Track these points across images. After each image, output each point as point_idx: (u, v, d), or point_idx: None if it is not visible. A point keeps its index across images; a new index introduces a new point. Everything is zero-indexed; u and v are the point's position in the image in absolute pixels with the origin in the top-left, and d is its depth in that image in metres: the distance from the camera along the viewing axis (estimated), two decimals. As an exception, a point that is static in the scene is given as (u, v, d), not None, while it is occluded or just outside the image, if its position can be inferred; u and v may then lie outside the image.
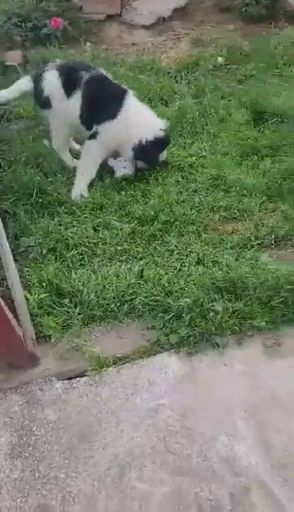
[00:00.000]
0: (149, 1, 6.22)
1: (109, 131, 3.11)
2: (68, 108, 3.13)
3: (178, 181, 3.28)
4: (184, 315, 2.23)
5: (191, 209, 2.99)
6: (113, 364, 2.13)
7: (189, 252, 2.66)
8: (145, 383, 2.03)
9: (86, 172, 3.21)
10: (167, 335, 2.19)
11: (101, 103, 3.10)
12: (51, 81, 3.13)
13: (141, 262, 2.60)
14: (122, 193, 3.17)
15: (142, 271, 2.52)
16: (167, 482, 1.71)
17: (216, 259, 2.57)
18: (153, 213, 2.93)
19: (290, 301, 2.24)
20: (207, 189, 3.18)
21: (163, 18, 6.02)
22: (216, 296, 2.29)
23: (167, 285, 2.42)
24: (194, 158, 3.52)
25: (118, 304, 2.36)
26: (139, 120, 3.19)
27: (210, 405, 1.94)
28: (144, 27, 5.97)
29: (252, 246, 2.68)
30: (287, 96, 4.33)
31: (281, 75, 4.82)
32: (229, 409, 1.92)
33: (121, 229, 2.85)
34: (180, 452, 1.79)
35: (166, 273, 2.50)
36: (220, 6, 6.20)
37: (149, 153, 3.23)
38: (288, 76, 4.80)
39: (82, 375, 2.11)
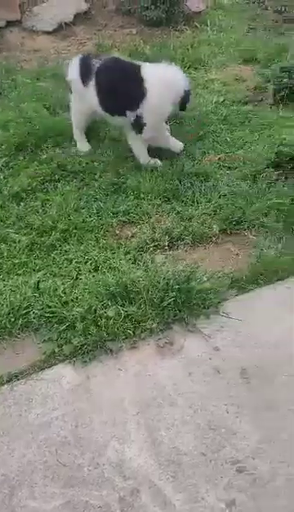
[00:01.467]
0: (50, 6, 6.17)
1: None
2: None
3: (79, 189, 3.28)
4: (77, 324, 2.23)
5: (90, 216, 3.00)
6: (8, 382, 2.09)
7: (87, 259, 2.67)
8: (39, 397, 2.02)
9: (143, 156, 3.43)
10: (61, 346, 2.19)
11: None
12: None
13: (39, 275, 2.58)
14: (22, 204, 3.14)
15: (38, 284, 2.50)
16: (59, 495, 1.70)
17: (113, 265, 2.60)
18: (51, 223, 2.91)
19: (179, 300, 2.31)
20: (107, 194, 3.21)
21: (65, 23, 6.00)
22: (109, 302, 2.32)
23: (62, 295, 2.42)
24: (96, 164, 3.54)
25: (13, 320, 2.32)
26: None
27: (103, 412, 1.96)
28: (47, 33, 5.93)
29: (148, 249, 2.74)
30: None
31: (182, 77, 4.95)
32: (122, 413, 1.95)
33: (19, 241, 2.82)
34: (71, 463, 1.79)
35: (62, 283, 2.50)
36: (122, 11, 6.26)
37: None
38: (189, 78, 4.93)
39: (-27, 395, 2.06)
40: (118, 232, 2.91)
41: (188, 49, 5.47)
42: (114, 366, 2.13)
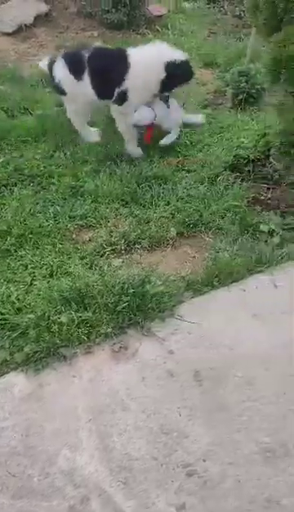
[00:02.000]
0: (9, 7, 6.10)
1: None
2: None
3: (36, 193, 3.24)
4: (30, 331, 2.20)
5: (47, 221, 2.96)
6: None
7: (43, 265, 2.64)
8: (-11, 407, 1.97)
9: (129, 134, 3.55)
10: (13, 354, 2.14)
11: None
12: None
13: (-7, 281, 2.53)
14: (-25, 209, 3.07)
15: (-9, 290, 2.45)
16: (8, 506, 1.66)
17: (68, 270, 2.58)
18: (6, 228, 2.86)
19: (134, 304, 2.30)
20: (65, 198, 3.18)
21: (26, 25, 5.93)
22: (62, 308, 2.29)
23: (16, 301, 2.38)
24: (54, 167, 3.51)
25: None
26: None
27: (55, 420, 1.93)
28: (7, 34, 5.84)
29: (105, 253, 2.72)
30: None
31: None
32: (74, 421, 1.92)
33: (-28, 248, 2.75)
34: (21, 474, 1.75)
35: (16, 289, 2.45)
36: (83, 13, 6.24)
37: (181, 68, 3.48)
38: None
39: None
40: (74, 237, 2.88)
41: (149, 52, 5.47)
42: (68, 372, 2.10)
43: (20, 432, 1.89)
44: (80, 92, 3.46)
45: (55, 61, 3.53)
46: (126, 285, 2.36)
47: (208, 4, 7.12)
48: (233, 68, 4.59)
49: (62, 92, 3.58)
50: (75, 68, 3.42)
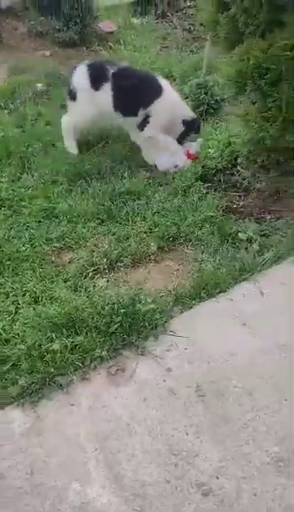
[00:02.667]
0: None
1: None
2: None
3: (7, 217, 3.16)
4: (22, 362, 2.12)
5: (23, 245, 2.89)
6: None
7: (25, 291, 2.56)
8: (-12, 447, 1.88)
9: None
10: (6, 388, 2.06)
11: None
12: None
13: (-27, 312, 2.43)
14: None
15: (-26, 323, 2.35)
16: None
17: (53, 294, 2.51)
18: (-19, 256, 2.76)
19: (126, 324, 2.27)
20: (39, 221, 3.11)
21: (-24, 47, 5.83)
22: (53, 335, 2.22)
23: (2, 332, 2.29)
24: (24, 190, 3.44)
25: None
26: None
27: (59, 452, 1.86)
28: None
29: (88, 274, 2.67)
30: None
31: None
32: (79, 452, 1.86)
33: None
34: (31, 515, 1.67)
35: (0, 320, 2.36)
36: (34, 33, 6.20)
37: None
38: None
39: None
40: (54, 259, 2.82)
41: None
42: (66, 401, 2.03)
43: (25, 470, 1.80)
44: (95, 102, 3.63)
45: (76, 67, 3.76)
46: (116, 306, 2.33)
47: (157, 19, 7.24)
48: (191, 81, 4.67)
49: (73, 98, 3.73)
50: (96, 78, 3.61)
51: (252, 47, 2.53)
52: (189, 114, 3.82)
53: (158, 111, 3.62)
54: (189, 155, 3.76)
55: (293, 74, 2.49)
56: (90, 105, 3.66)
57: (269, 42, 2.49)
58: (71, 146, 3.89)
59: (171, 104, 3.69)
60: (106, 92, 3.59)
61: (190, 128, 3.80)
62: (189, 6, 6.81)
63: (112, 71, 3.58)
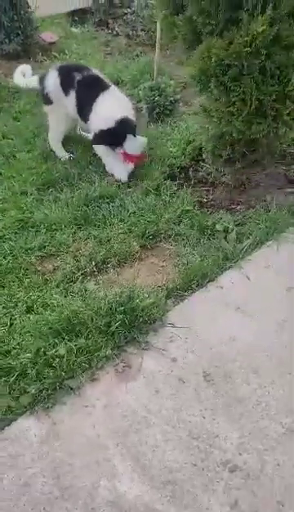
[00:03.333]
0: None
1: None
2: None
3: (-18, 233, 3.10)
4: (29, 371, 2.10)
5: (5, 258, 2.85)
6: None
7: (16, 302, 2.53)
8: (7, 459, 1.85)
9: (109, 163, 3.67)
10: (18, 398, 2.03)
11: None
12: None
13: None
14: None
15: None
16: None
17: (45, 301, 2.50)
18: None
19: (127, 322, 2.30)
20: (16, 232, 3.08)
21: None
22: (56, 340, 2.22)
23: (1, 344, 2.26)
24: (-7, 203, 3.38)
25: None
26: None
27: (81, 453, 1.86)
28: None
29: (77, 278, 2.68)
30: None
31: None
32: (102, 450, 1.87)
33: None
34: (66, 517, 1.67)
35: (-4, 332, 2.33)
36: (-25, 47, 6.08)
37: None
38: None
39: None
40: (39, 268, 2.80)
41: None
42: (80, 403, 2.04)
43: (50, 475, 1.80)
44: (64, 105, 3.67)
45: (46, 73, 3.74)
46: (113, 305, 2.35)
47: (96, 27, 7.31)
48: (143, 84, 4.76)
49: (48, 102, 3.73)
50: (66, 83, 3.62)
51: (213, 46, 2.64)
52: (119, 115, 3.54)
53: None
54: (127, 157, 3.60)
55: (254, 69, 2.63)
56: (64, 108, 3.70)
57: (228, 39, 2.61)
58: (62, 153, 3.92)
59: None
60: (72, 97, 3.62)
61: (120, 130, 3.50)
62: (129, 13, 6.92)
63: (78, 77, 3.59)
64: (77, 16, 7.72)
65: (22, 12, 5.92)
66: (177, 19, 2.90)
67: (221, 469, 1.79)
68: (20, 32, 5.92)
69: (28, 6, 5.97)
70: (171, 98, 4.55)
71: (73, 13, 7.75)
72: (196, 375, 2.14)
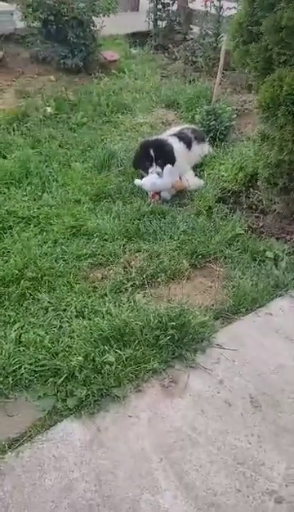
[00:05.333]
0: None
1: None
2: None
3: (36, 235, 3.17)
4: (77, 374, 2.11)
5: (57, 261, 2.90)
6: (10, 448, 1.89)
7: (66, 306, 2.56)
8: (51, 460, 1.85)
9: None
10: (64, 400, 2.04)
11: None
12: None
13: (16, 327, 2.41)
14: (-24, 254, 2.93)
15: (20, 336, 2.34)
16: None
17: (95, 308, 2.52)
18: (17, 272, 2.75)
19: (177, 337, 2.30)
20: (68, 238, 3.13)
21: (-19, 71, 5.90)
22: (105, 347, 2.23)
23: (50, 345, 2.28)
24: (47, 208, 3.46)
25: (1, 379, 2.13)
26: None
27: (124, 464, 1.85)
28: None
29: (126, 289, 2.70)
30: (120, 140, 4.60)
31: (110, 121, 5.11)
32: (145, 462, 1.85)
33: (-16, 294, 2.62)
34: (107, 526, 1.65)
35: (46, 333, 2.35)
36: (37, 58, 6.33)
37: None
38: (117, 122, 5.10)
39: (-26, 471, 1.82)
40: (90, 275, 2.83)
41: (111, 95, 5.66)
42: (124, 413, 2.03)
43: (92, 482, 1.78)
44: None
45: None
46: (163, 319, 2.35)
47: (155, 51, 7.51)
48: (200, 108, 4.84)
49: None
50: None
51: (286, 76, 2.69)
52: None
53: None
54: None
55: None
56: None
57: (300, 71, 2.67)
58: None
59: None
60: None
61: None
62: (189, 39, 7.11)
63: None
64: (137, 38, 7.98)
65: (88, 30, 6.16)
66: (251, 47, 2.96)
67: (267, 499, 1.74)
68: (83, 48, 6.14)
69: (95, 25, 6.19)
70: (227, 124, 4.61)
71: (133, 35, 8.00)
72: (243, 400, 2.11)
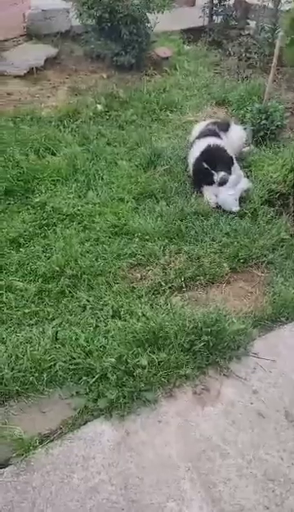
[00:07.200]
0: (19, 51, 6.23)
1: None
2: None
3: (78, 232, 3.20)
4: (109, 375, 2.12)
5: (97, 260, 2.92)
6: (40, 444, 1.93)
7: (103, 305, 2.58)
8: (80, 459, 1.87)
9: None
10: (95, 400, 2.05)
11: None
12: None
13: (54, 323, 2.46)
14: (22, 250, 3.00)
15: (56, 333, 2.37)
16: None
17: (132, 309, 2.52)
18: (58, 269, 2.80)
19: (212, 344, 2.25)
20: (109, 237, 3.15)
21: (36, 68, 6.03)
22: (138, 350, 2.22)
23: (85, 344, 2.30)
24: (91, 206, 3.49)
25: (36, 374, 2.17)
26: None
27: (151, 469, 1.84)
28: (18, 77, 5.91)
29: (164, 291, 2.68)
30: (168, 138, 4.56)
31: (159, 119, 5.08)
32: (172, 470, 1.83)
33: (26, 289, 2.68)
34: (130, 532, 1.65)
35: (82, 332, 2.38)
36: (91, 56, 6.39)
37: None
38: (166, 120, 5.07)
39: (5, 464, 1.87)
40: (127, 275, 2.84)
41: (161, 92, 5.63)
42: (154, 418, 2.02)
43: (118, 485, 1.79)
44: None
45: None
46: (199, 324, 2.32)
47: (209, 47, 7.39)
48: (251, 106, 4.71)
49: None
50: None
51: None
52: None
53: None
54: None
55: None
56: None
57: None
58: None
59: None
60: None
61: None
62: (244, 35, 6.94)
63: None
64: (192, 34, 7.86)
65: (142, 27, 6.13)
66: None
67: (296, 519, 1.68)
68: (136, 45, 6.13)
69: (148, 21, 6.17)
70: (279, 123, 4.46)
71: (187, 31, 7.90)
72: (277, 413, 2.04)
